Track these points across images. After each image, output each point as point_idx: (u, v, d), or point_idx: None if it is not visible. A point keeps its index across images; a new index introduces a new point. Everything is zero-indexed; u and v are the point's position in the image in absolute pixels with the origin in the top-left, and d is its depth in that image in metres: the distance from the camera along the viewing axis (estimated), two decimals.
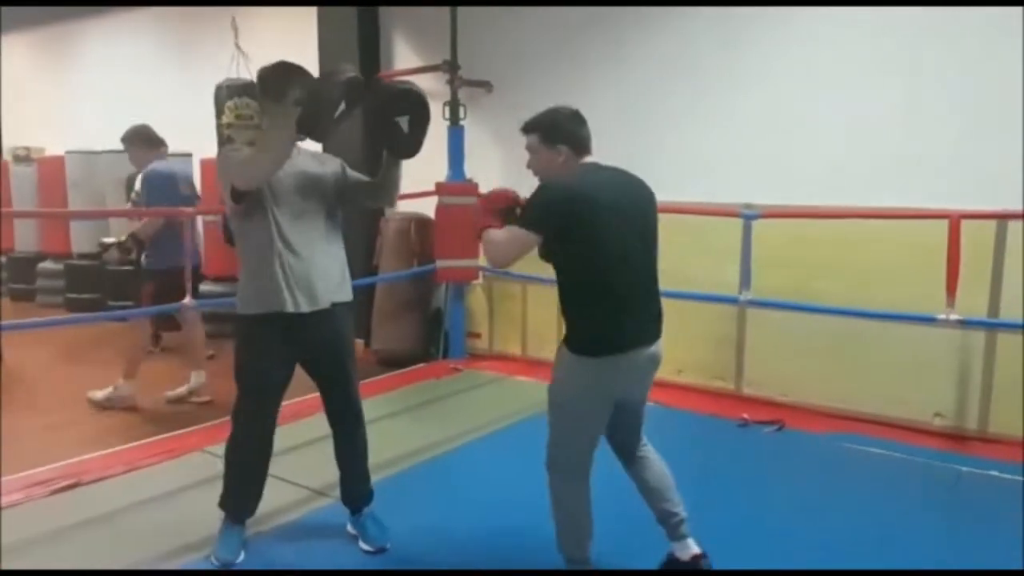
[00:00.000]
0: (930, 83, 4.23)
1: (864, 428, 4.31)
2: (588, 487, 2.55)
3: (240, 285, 2.85)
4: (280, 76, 2.69)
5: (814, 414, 4.54)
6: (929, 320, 3.97)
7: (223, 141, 5.60)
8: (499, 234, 2.47)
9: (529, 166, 2.59)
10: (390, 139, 2.76)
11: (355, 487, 3.07)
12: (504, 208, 2.59)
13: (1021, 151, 3.97)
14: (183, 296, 4.50)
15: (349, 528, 3.07)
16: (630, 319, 2.44)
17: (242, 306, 2.83)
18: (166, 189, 4.83)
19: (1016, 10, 3.94)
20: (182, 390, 4.98)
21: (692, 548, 2.64)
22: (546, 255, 2.50)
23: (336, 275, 2.89)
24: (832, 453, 4.02)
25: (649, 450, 2.70)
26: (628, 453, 2.68)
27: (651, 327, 2.51)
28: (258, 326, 2.79)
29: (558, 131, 2.50)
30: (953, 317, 3.87)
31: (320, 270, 2.80)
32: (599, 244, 2.37)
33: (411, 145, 2.78)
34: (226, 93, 5.61)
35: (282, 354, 2.83)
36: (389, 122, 2.72)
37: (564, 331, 2.50)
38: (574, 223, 2.34)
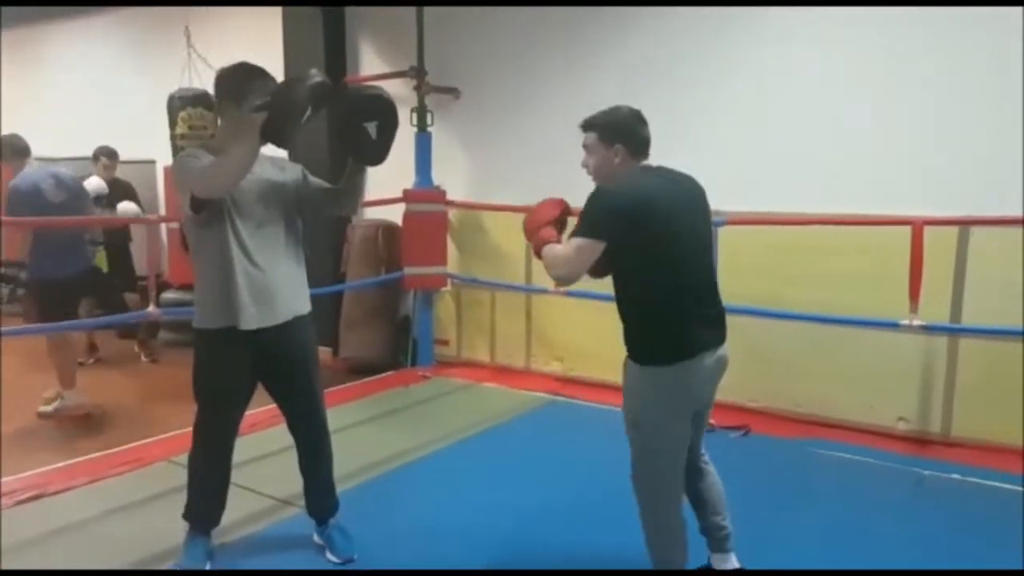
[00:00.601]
0: (908, 88, 4.27)
1: (830, 433, 4.36)
2: (680, 503, 2.48)
3: (198, 298, 2.75)
4: (240, 78, 2.63)
5: (781, 419, 4.59)
6: (893, 326, 4.04)
7: (176, 152, 5.52)
8: (560, 249, 2.34)
9: (584, 165, 2.50)
10: (357, 145, 2.68)
11: (321, 498, 3.02)
12: (557, 218, 2.49)
13: (1022, 156, 3.99)
14: (84, 304, 4.37)
15: (315, 538, 3.03)
16: (698, 323, 2.39)
17: (200, 320, 2.73)
18: (27, 200, 4.55)
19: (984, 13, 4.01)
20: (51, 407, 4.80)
21: (733, 562, 2.63)
22: (605, 266, 2.40)
23: (297, 287, 2.82)
24: (798, 457, 4.06)
25: (708, 463, 2.65)
26: (690, 465, 2.60)
27: (717, 330, 2.47)
28: (218, 340, 2.70)
29: (616, 130, 2.42)
30: (916, 323, 3.95)
31: (281, 282, 2.72)
32: (662, 249, 2.31)
33: (379, 151, 2.70)
34: (179, 103, 5.53)
35: (243, 368, 2.75)
36: (357, 128, 2.64)
37: (627, 343, 2.44)
38: (636, 229, 2.27)
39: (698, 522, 2.65)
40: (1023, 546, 2.99)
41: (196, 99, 5.49)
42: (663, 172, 2.48)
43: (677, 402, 2.40)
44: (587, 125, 2.48)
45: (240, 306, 2.62)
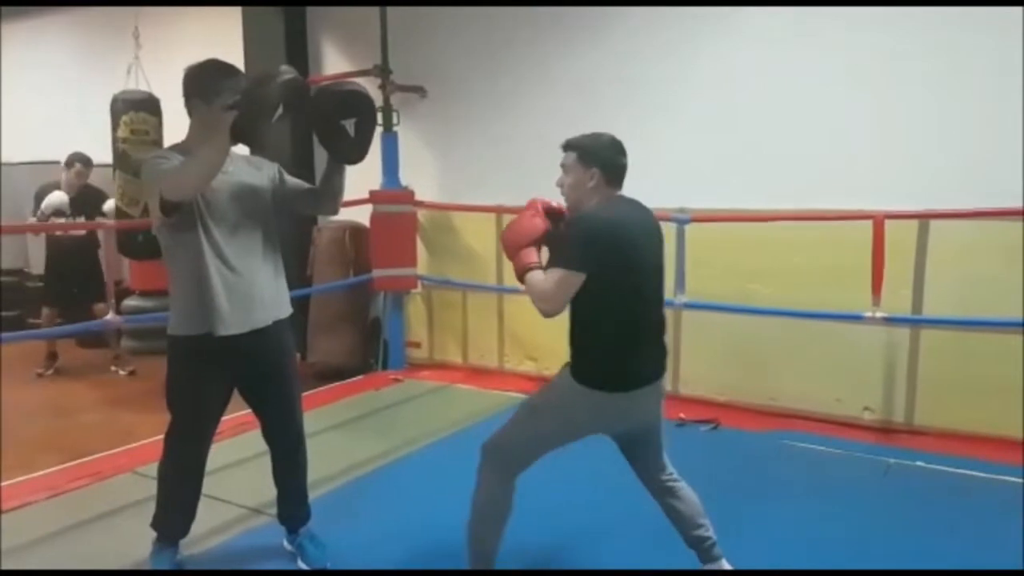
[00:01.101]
0: (873, 87, 4.32)
1: (797, 424, 4.42)
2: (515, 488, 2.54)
3: (172, 304, 2.67)
4: (210, 76, 2.57)
5: (749, 412, 4.63)
6: (856, 318, 4.09)
7: (118, 155, 5.43)
8: (541, 283, 2.34)
9: (559, 184, 2.52)
10: (335, 144, 2.64)
11: (294, 507, 2.98)
12: (541, 237, 2.46)
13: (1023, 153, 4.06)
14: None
15: (286, 546, 2.99)
16: (644, 356, 2.44)
17: (175, 327, 2.66)
18: None
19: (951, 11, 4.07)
20: None
21: (725, 567, 2.63)
22: None
23: (276, 289, 2.75)
24: (768, 449, 4.09)
25: (676, 479, 2.65)
26: (654, 482, 2.63)
27: (660, 364, 2.51)
28: (193, 348, 2.63)
29: (596, 154, 2.45)
30: (879, 315, 4.00)
31: (259, 286, 2.65)
32: (626, 280, 2.34)
33: (358, 150, 2.67)
34: (122, 106, 5.43)
35: (219, 377, 2.69)
36: (334, 126, 2.59)
37: (572, 356, 2.46)
38: (610, 258, 2.30)
39: (682, 537, 2.65)
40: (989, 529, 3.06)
41: (139, 103, 5.40)
42: (632, 203, 2.51)
43: (589, 425, 2.47)
44: (568, 145, 2.50)
45: (217, 312, 2.56)
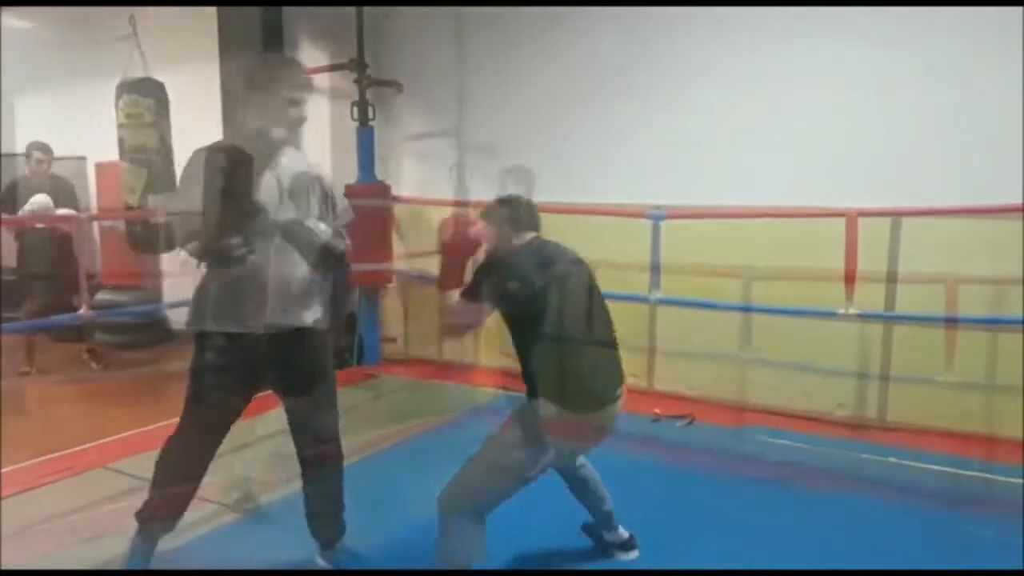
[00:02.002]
0: (837, 83, 4.37)
1: (771, 420, 4.44)
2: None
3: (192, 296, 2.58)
4: (267, 68, 2.52)
5: (723, 408, 4.66)
6: (831, 315, 4.13)
7: (120, 143, 5.35)
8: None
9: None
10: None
11: (325, 525, 2.86)
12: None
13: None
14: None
15: (319, 562, 2.85)
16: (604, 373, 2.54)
17: (189, 319, 2.58)
18: None
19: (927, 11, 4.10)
20: None
21: (623, 532, 2.82)
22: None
23: (296, 293, 2.58)
24: (741, 444, 4.13)
25: (584, 461, 2.77)
26: (572, 470, 2.75)
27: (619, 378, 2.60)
28: (209, 343, 2.52)
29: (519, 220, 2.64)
30: (852, 311, 4.04)
31: (273, 286, 2.51)
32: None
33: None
34: (117, 93, 5.35)
35: (236, 377, 2.55)
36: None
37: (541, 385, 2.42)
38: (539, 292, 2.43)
39: (591, 512, 2.83)
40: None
41: (130, 86, 5.29)
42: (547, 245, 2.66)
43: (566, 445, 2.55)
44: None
45: (212, 311, 2.49)
